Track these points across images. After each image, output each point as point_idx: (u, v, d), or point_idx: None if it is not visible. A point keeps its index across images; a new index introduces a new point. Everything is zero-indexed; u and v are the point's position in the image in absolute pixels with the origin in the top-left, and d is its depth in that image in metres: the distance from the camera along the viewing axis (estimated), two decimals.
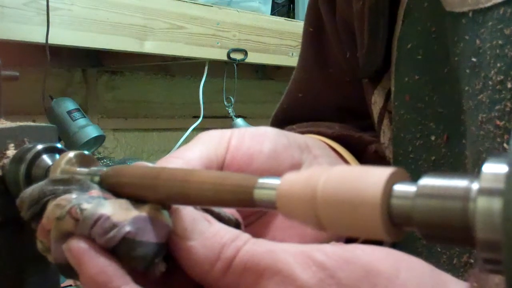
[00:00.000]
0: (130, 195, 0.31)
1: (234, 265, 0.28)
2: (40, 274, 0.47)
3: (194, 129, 1.78)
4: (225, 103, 1.91)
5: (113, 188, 0.33)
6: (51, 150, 0.44)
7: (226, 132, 0.39)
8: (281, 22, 1.99)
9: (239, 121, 1.90)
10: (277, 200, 0.27)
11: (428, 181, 0.23)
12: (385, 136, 0.50)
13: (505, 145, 0.35)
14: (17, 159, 0.44)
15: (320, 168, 0.26)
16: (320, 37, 0.58)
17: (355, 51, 0.52)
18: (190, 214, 0.30)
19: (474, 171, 0.38)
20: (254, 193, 0.27)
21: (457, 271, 0.40)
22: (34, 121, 0.53)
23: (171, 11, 1.61)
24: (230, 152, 0.38)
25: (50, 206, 0.31)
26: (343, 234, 0.26)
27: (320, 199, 0.25)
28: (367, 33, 0.47)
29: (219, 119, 2.12)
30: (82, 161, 0.37)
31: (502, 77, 0.35)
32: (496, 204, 0.21)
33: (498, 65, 0.35)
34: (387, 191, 0.24)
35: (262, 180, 0.28)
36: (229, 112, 1.91)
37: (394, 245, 0.39)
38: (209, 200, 0.29)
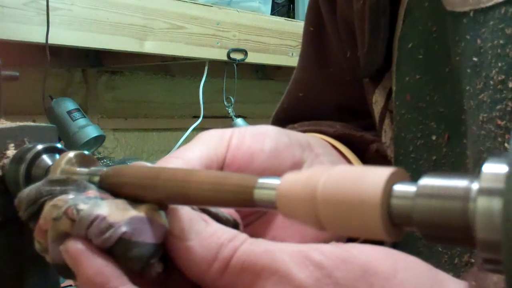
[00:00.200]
0: (130, 195, 0.31)
1: (231, 265, 0.28)
2: (40, 274, 0.47)
3: (194, 129, 1.78)
4: (225, 103, 1.91)
5: (113, 188, 0.33)
6: (51, 150, 0.44)
7: (227, 131, 0.39)
8: (281, 22, 1.99)
9: (239, 121, 1.90)
10: (277, 200, 0.27)
11: (428, 181, 0.23)
12: (387, 136, 0.50)
13: (506, 144, 0.35)
14: (17, 159, 0.44)
15: (320, 168, 0.26)
16: (320, 36, 0.58)
17: (355, 51, 0.52)
18: (187, 214, 0.30)
19: (475, 171, 0.38)
20: (254, 193, 0.27)
21: (458, 270, 0.40)
22: (34, 121, 0.53)
23: (171, 11, 1.61)
24: (230, 151, 0.38)
25: (47, 207, 0.31)
26: (343, 234, 0.26)
27: (320, 199, 0.25)
28: (367, 32, 0.47)
29: (219, 119, 2.12)
30: (82, 161, 0.37)
31: (503, 76, 0.35)
32: (496, 204, 0.21)
33: (499, 64, 0.35)
34: (387, 191, 0.24)
35: (262, 180, 0.28)
36: (229, 112, 1.91)
37: (395, 245, 0.39)
38: (209, 200, 0.29)
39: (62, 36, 1.38)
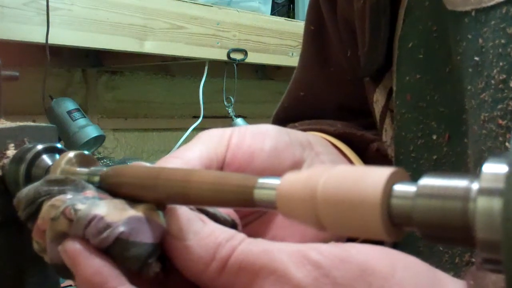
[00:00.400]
0: (130, 195, 0.31)
1: (229, 264, 0.28)
2: (40, 274, 0.47)
3: (194, 129, 1.78)
4: (225, 103, 1.91)
5: (113, 188, 0.33)
6: (51, 150, 0.44)
7: (227, 131, 0.39)
8: (281, 22, 1.99)
9: (239, 121, 1.90)
10: (277, 200, 0.27)
11: (428, 181, 0.23)
12: (387, 135, 0.50)
13: (507, 144, 0.35)
14: (17, 159, 0.44)
15: (320, 168, 0.26)
16: (321, 36, 0.58)
17: (356, 50, 0.52)
18: (185, 214, 0.30)
19: (475, 170, 0.38)
20: (254, 193, 0.27)
21: (459, 270, 0.40)
22: (34, 121, 0.53)
23: (171, 11, 1.61)
24: (230, 150, 0.38)
25: (45, 207, 0.31)
26: (343, 234, 0.26)
27: (320, 199, 0.25)
28: (368, 31, 0.47)
29: (219, 119, 2.12)
30: (82, 161, 0.37)
31: (504, 76, 0.35)
32: (496, 204, 0.21)
33: (501, 64, 0.35)
34: (387, 191, 0.24)
35: (262, 180, 0.28)
36: (229, 112, 1.91)
37: (395, 245, 0.39)
38: (209, 200, 0.29)
39: (62, 36, 1.38)
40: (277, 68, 2.31)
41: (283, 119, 0.60)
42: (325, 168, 0.26)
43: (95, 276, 0.28)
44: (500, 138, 0.36)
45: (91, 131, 1.63)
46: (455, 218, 0.22)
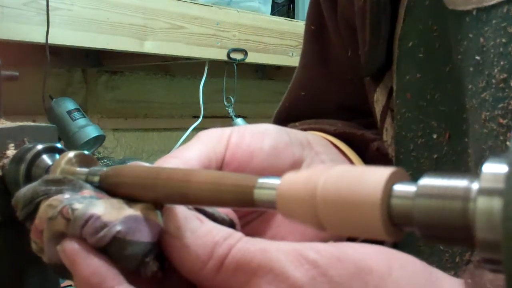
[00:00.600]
0: (129, 194, 0.31)
1: (226, 263, 0.28)
2: (40, 274, 0.47)
3: (194, 129, 1.78)
4: (225, 103, 1.91)
5: (113, 188, 0.33)
6: (51, 150, 0.44)
7: (226, 130, 0.39)
8: (281, 22, 1.99)
9: (239, 121, 1.91)
10: (277, 200, 0.27)
11: (428, 181, 0.23)
12: (388, 134, 0.50)
13: (507, 143, 0.35)
14: (17, 159, 0.44)
15: (320, 168, 0.26)
16: (321, 35, 0.58)
17: (356, 49, 0.52)
18: (182, 213, 0.30)
19: (476, 169, 0.38)
20: (254, 193, 0.27)
21: (460, 269, 0.40)
22: (34, 121, 0.53)
23: (171, 11, 1.61)
24: (230, 150, 0.38)
25: (43, 206, 0.31)
26: (343, 234, 0.26)
27: (320, 199, 0.25)
28: (368, 30, 0.47)
29: (219, 119, 2.12)
30: (82, 161, 0.37)
31: (505, 75, 0.35)
32: (496, 204, 0.21)
33: (502, 63, 0.35)
34: (387, 191, 0.24)
35: (262, 180, 0.28)
36: (229, 112, 1.91)
37: (395, 244, 0.39)
38: (208, 200, 0.29)
39: (62, 36, 1.38)
40: (277, 68, 2.31)
41: (284, 119, 0.60)
42: (325, 168, 0.26)
43: (93, 276, 0.28)
44: (501, 137, 0.36)
45: (91, 131, 1.63)
46: (455, 218, 0.22)
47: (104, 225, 0.29)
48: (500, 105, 0.36)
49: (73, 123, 1.61)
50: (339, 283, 0.26)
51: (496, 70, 0.36)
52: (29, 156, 0.43)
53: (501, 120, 0.36)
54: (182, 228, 0.29)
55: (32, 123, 0.48)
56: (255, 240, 0.29)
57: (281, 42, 1.93)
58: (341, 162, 0.47)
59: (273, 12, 2.18)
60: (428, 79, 0.44)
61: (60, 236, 0.30)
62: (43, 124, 0.50)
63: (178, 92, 2.20)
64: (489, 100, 0.36)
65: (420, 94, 0.44)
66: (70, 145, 1.57)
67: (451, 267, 0.41)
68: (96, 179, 0.34)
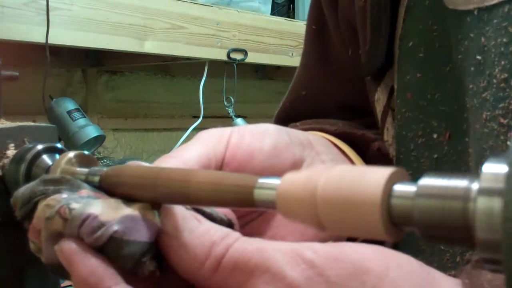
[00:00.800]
0: (129, 194, 0.31)
1: (223, 263, 0.28)
2: (40, 274, 0.47)
3: (194, 129, 1.78)
4: (225, 103, 1.91)
5: (113, 188, 0.33)
6: (51, 150, 0.44)
7: (226, 130, 0.39)
8: (281, 22, 1.99)
9: (239, 121, 1.91)
10: (277, 200, 0.27)
11: (428, 181, 0.23)
12: (389, 134, 0.50)
13: (508, 142, 0.35)
14: (17, 159, 0.44)
15: (320, 168, 0.26)
16: (322, 34, 0.58)
17: (357, 49, 0.52)
18: (180, 213, 0.30)
19: (477, 169, 0.38)
20: (254, 193, 0.27)
21: (460, 268, 0.40)
22: (34, 121, 0.53)
23: (171, 11, 1.61)
24: (230, 150, 0.38)
25: (40, 206, 0.31)
26: (343, 234, 0.26)
27: (320, 199, 0.25)
28: (369, 30, 0.47)
29: (219, 119, 2.12)
30: (82, 161, 0.37)
31: (506, 75, 0.35)
32: (496, 204, 0.21)
33: (503, 63, 0.36)
34: (387, 191, 0.24)
35: (262, 180, 0.28)
36: (229, 112, 1.91)
37: (396, 244, 0.39)
38: (208, 200, 0.29)
39: (62, 36, 1.38)
40: (277, 68, 2.31)
41: (285, 119, 0.60)
42: (325, 168, 0.26)
43: (90, 276, 0.28)
44: (502, 137, 0.36)
45: (91, 131, 1.63)
46: (455, 218, 0.22)
47: (101, 224, 0.29)
48: (501, 105, 0.36)
49: (73, 123, 1.61)
50: (336, 283, 0.26)
51: (497, 70, 0.36)
52: (29, 156, 0.43)
53: (502, 120, 0.36)
54: (179, 227, 0.29)
55: (32, 123, 0.48)
56: (252, 240, 0.29)
57: (281, 42, 1.93)
58: (341, 162, 0.47)
59: (273, 12, 2.18)
60: (429, 78, 0.44)
61: (57, 236, 0.30)
62: (43, 124, 0.50)
63: (178, 92, 2.21)
64: (490, 100, 0.36)
65: (420, 93, 0.44)
66: (70, 145, 1.57)
67: (452, 267, 0.41)
68: (96, 179, 0.34)
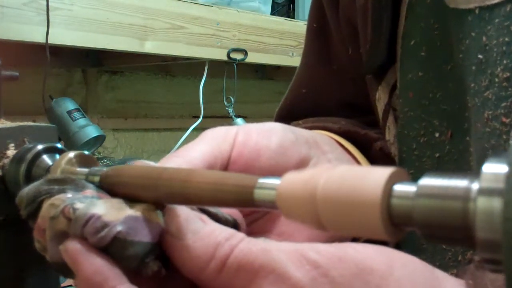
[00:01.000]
0: (130, 195, 0.32)
1: (228, 264, 0.28)
2: (40, 274, 0.47)
3: (194, 129, 1.78)
4: (225, 103, 1.91)
5: (113, 188, 0.33)
6: (51, 150, 0.44)
7: (232, 128, 0.39)
8: (281, 22, 1.99)
9: (239, 121, 1.91)
10: (277, 200, 0.27)
11: (428, 181, 0.23)
12: (390, 133, 0.50)
13: (510, 142, 0.35)
14: (17, 159, 0.44)
15: (321, 168, 0.26)
16: (323, 33, 0.58)
17: (357, 48, 0.52)
18: (184, 214, 0.30)
19: (478, 168, 0.38)
20: (254, 193, 0.27)
21: (462, 267, 0.40)
22: (34, 121, 0.53)
23: (171, 11, 1.61)
24: (236, 148, 0.38)
25: (45, 206, 0.32)
26: (343, 234, 0.26)
27: (320, 199, 0.25)
28: (370, 28, 0.47)
29: (219, 119, 2.12)
30: (82, 161, 0.37)
31: (508, 74, 0.35)
32: (496, 204, 0.21)
33: (505, 62, 0.36)
34: (387, 191, 0.24)
35: (262, 180, 0.28)
36: (229, 112, 1.91)
37: (398, 243, 0.39)
38: (209, 200, 0.29)
39: (62, 36, 1.38)
40: (277, 68, 2.31)
41: (285, 117, 0.60)
42: (326, 168, 0.26)
43: (95, 275, 0.28)
44: (504, 136, 0.36)
45: (91, 131, 1.63)
46: (455, 218, 0.22)
47: (105, 225, 0.29)
48: (503, 104, 0.36)
49: (73, 123, 1.61)
50: (340, 283, 0.26)
51: (499, 69, 0.36)
52: (29, 156, 0.43)
53: (504, 119, 0.36)
54: (183, 228, 0.29)
55: (32, 123, 0.48)
56: (257, 240, 0.29)
57: (281, 42, 1.93)
58: (346, 161, 0.47)
59: (273, 12, 2.18)
60: (430, 77, 0.44)
61: (62, 235, 0.30)
62: (43, 124, 0.50)
63: (178, 92, 2.21)
64: (492, 99, 0.36)
65: (422, 92, 0.44)
66: (70, 145, 1.57)
67: (454, 266, 0.41)
68: (96, 179, 0.34)
